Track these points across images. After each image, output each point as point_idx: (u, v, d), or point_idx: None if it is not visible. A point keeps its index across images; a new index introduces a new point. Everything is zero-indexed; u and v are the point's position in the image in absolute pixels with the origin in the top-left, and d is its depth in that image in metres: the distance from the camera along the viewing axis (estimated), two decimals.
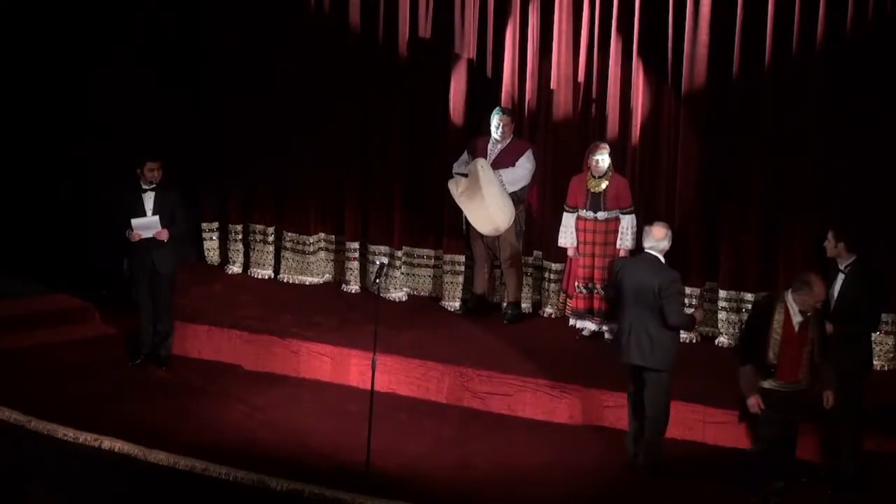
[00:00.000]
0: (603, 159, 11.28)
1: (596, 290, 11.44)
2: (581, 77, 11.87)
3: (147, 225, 11.10)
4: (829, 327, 9.17)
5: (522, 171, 11.86)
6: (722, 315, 11.52)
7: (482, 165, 11.68)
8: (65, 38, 12.86)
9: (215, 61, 13.04)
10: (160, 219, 11.14)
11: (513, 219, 11.72)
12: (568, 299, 11.75)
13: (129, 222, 11.03)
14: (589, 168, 11.35)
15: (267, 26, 12.79)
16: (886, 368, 10.98)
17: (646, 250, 9.71)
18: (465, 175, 11.71)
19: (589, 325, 11.60)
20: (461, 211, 11.90)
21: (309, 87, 12.72)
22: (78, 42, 12.87)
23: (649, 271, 9.56)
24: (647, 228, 9.82)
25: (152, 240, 11.13)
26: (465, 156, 12.00)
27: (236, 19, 12.89)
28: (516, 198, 11.85)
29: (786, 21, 10.98)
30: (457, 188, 11.77)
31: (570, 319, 11.72)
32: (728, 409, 10.09)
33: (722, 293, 11.50)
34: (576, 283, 11.53)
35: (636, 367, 9.64)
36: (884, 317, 10.34)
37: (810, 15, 10.89)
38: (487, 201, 11.59)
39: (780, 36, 11.01)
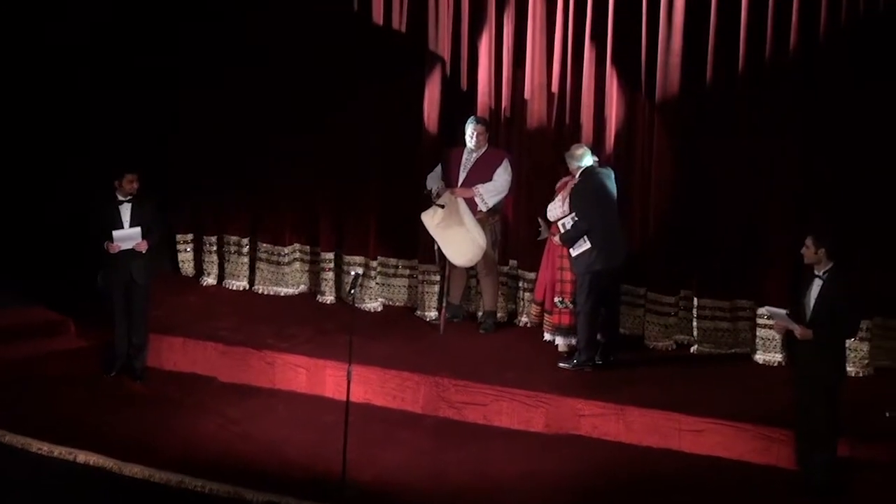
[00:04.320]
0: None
1: None
2: (555, 86, 11.87)
3: (128, 237, 11.07)
4: (805, 332, 9.21)
5: (501, 182, 11.86)
6: (696, 323, 11.53)
7: (456, 197, 11.71)
8: (40, 51, 12.82)
9: (190, 72, 13.01)
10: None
11: (484, 249, 11.73)
12: (546, 315, 11.61)
13: (109, 234, 10.99)
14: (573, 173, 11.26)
15: (242, 36, 12.77)
16: (861, 375, 11.01)
17: (585, 167, 11.00)
18: (442, 206, 11.70)
19: (571, 341, 11.36)
20: (434, 241, 11.93)
21: (283, 99, 12.70)
22: (52, 53, 12.83)
23: (610, 179, 11.13)
24: (570, 153, 11.09)
25: (130, 251, 11.08)
26: (438, 169, 12.01)
27: (212, 28, 12.87)
28: (492, 208, 11.86)
29: (759, 28, 11.00)
30: (432, 220, 11.78)
31: (548, 335, 11.60)
32: (703, 416, 10.13)
33: (696, 301, 11.51)
34: (558, 299, 11.33)
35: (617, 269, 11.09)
36: (861, 323, 10.34)
37: (783, 22, 10.91)
38: (463, 235, 11.65)
39: (754, 43, 11.04)
